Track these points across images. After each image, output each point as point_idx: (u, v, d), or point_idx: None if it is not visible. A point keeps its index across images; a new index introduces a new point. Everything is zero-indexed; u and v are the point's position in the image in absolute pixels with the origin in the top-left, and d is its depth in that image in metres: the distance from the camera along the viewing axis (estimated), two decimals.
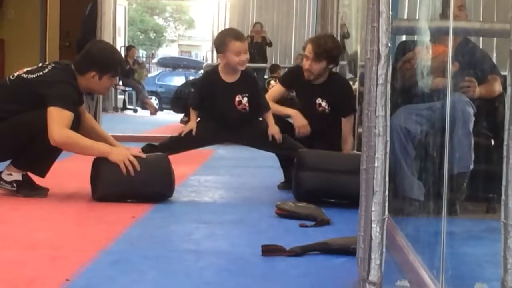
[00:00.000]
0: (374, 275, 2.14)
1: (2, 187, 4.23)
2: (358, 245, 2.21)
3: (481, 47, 4.59)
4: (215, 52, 5.82)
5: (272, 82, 12.44)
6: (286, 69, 14.59)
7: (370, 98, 2.14)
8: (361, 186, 2.19)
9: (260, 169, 6.14)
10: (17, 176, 4.21)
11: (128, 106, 17.06)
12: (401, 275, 2.57)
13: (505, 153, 2.02)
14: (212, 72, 4.91)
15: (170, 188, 4.26)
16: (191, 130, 4.77)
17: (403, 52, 4.27)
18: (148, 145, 4.86)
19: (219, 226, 3.61)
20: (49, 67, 4.28)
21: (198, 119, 4.88)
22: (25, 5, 11.31)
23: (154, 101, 19.00)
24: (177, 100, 11.83)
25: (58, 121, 4.03)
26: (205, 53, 26.02)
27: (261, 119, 4.84)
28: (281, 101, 5.16)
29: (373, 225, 2.13)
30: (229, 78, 4.75)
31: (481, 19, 4.85)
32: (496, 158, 3.15)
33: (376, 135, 2.12)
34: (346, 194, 4.15)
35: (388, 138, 2.14)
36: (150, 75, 22.04)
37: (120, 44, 17.34)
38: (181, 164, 4.88)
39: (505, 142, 2.02)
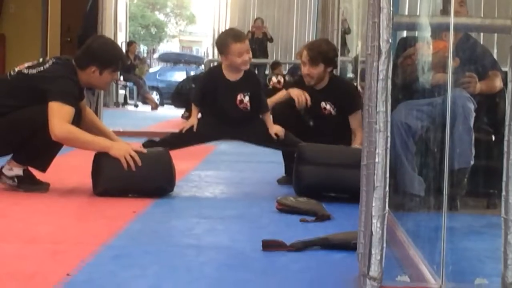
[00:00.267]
0: (374, 270, 2.14)
1: (3, 182, 4.23)
2: (358, 240, 2.22)
3: (481, 43, 4.60)
4: (216, 48, 5.81)
5: (274, 78, 12.43)
6: (287, 66, 14.61)
7: (371, 93, 2.14)
8: (361, 182, 2.20)
9: (261, 164, 6.14)
10: (18, 171, 4.21)
11: (129, 101, 17.10)
12: (401, 270, 2.57)
13: (505, 149, 2.02)
14: (215, 69, 4.91)
15: (171, 183, 4.26)
16: (192, 126, 4.78)
17: (404, 48, 4.27)
18: (148, 140, 4.87)
19: (219, 221, 3.61)
20: (50, 62, 4.28)
21: (199, 115, 4.89)
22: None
23: (155, 96, 19.05)
24: (178, 96, 11.85)
25: (59, 116, 4.03)
26: (206, 49, 26.07)
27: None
28: (284, 113, 5.10)
29: (374, 221, 2.13)
30: (232, 77, 4.75)
31: (482, 15, 4.85)
32: (496, 153, 3.15)
33: (376, 131, 2.13)
34: (347, 188, 4.16)
35: (389, 134, 2.14)
36: (151, 70, 22.08)
37: (121, 40, 17.36)
38: (182, 159, 4.88)
39: (505, 138, 2.03)
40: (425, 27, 3.49)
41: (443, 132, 3.02)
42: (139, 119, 12.78)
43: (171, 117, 12.47)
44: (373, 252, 2.13)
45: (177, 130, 4.92)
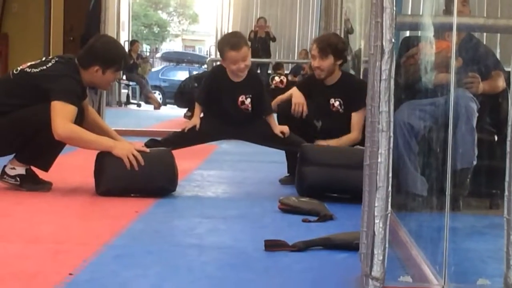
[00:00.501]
0: (377, 271, 2.14)
1: (5, 181, 4.24)
2: (361, 240, 2.22)
3: (484, 43, 4.59)
4: None
5: (276, 78, 12.43)
6: (290, 66, 14.60)
7: (374, 93, 2.14)
8: (364, 182, 2.20)
9: (264, 164, 6.14)
10: (20, 170, 4.21)
11: (132, 101, 17.09)
12: (404, 271, 2.57)
13: (508, 149, 2.02)
14: (220, 69, 4.90)
15: (174, 182, 4.26)
16: (194, 126, 4.78)
17: (406, 48, 4.27)
18: (151, 140, 4.87)
19: (222, 221, 3.61)
20: (53, 61, 4.29)
21: (202, 114, 4.89)
22: None
23: (157, 95, 19.03)
24: (180, 95, 11.84)
25: (61, 115, 4.03)
26: (209, 48, 26.04)
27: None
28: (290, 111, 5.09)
29: (376, 221, 2.13)
30: (235, 78, 4.76)
31: (485, 15, 4.85)
32: (499, 154, 3.15)
33: (379, 131, 2.13)
34: (349, 188, 4.16)
35: (392, 134, 2.14)
36: (153, 69, 22.10)
37: (123, 39, 17.37)
38: (184, 158, 4.88)
39: (508, 138, 2.02)
40: (428, 27, 3.49)
41: (446, 132, 3.01)
42: (141, 118, 12.78)
43: (173, 116, 12.47)
44: (375, 252, 2.13)
45: (179, 130, 4.92)
